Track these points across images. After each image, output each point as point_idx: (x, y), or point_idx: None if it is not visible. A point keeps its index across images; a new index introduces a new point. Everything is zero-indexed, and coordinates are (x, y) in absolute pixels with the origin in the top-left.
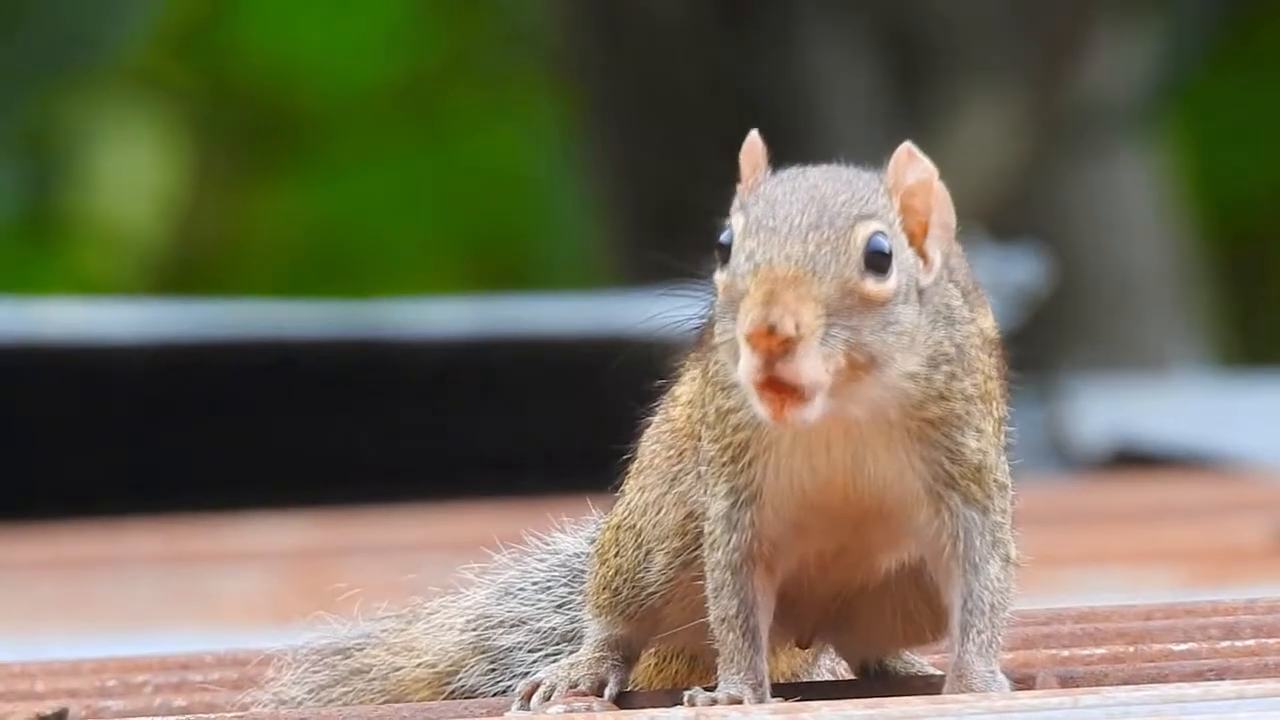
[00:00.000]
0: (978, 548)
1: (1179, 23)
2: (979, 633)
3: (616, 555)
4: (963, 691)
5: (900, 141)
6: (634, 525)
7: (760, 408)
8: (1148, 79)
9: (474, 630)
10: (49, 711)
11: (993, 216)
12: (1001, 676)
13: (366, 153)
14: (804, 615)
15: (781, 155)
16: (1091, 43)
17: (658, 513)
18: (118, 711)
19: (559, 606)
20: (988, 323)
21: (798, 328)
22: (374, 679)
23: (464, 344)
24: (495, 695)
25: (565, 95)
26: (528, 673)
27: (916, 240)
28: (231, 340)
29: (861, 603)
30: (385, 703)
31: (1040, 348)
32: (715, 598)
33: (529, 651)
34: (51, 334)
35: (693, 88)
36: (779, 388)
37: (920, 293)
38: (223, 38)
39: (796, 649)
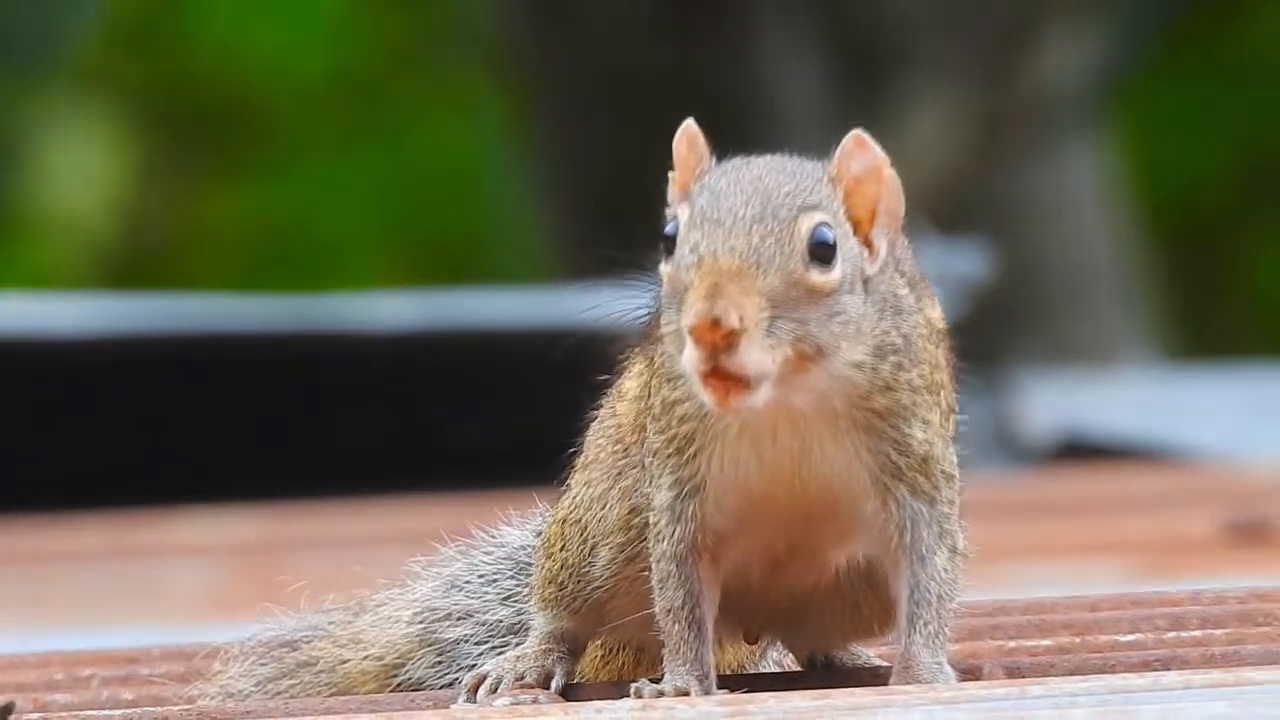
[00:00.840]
0: (924, 539)
1: (1126, 18)
2: (925, 624)
3: (562, 550)
4: (909, 682)
5: (848, 131)
6: (579, 520)
7: (705, 396)
8: (1095, 73)
9: (420, 623)
10: None
11: (942, 210)
12: (948, 668)
13: (314, 147)
14: (753, 611)
15: (731, 149)
16: (1039, 38)
17: (603, 507)
18: (65, 705)
19: (505, 599)
20: (935, 314)
21: (741, 320)
22: (320, 671)
23: (411, 337)
24: (442, 688)
25: (510, 89)
26: (474, 665)
27: (863, 229)
28: (180, 334)
29: (811, 600)
30: (332, 695)
31: (988, 340)
32: (660, 590)
33: (475, 644)
34: (1, 329)
35: (638, 81)
36: (724, 377)
37: (866, 282)
38: (171, 33)
39: (744, 643)
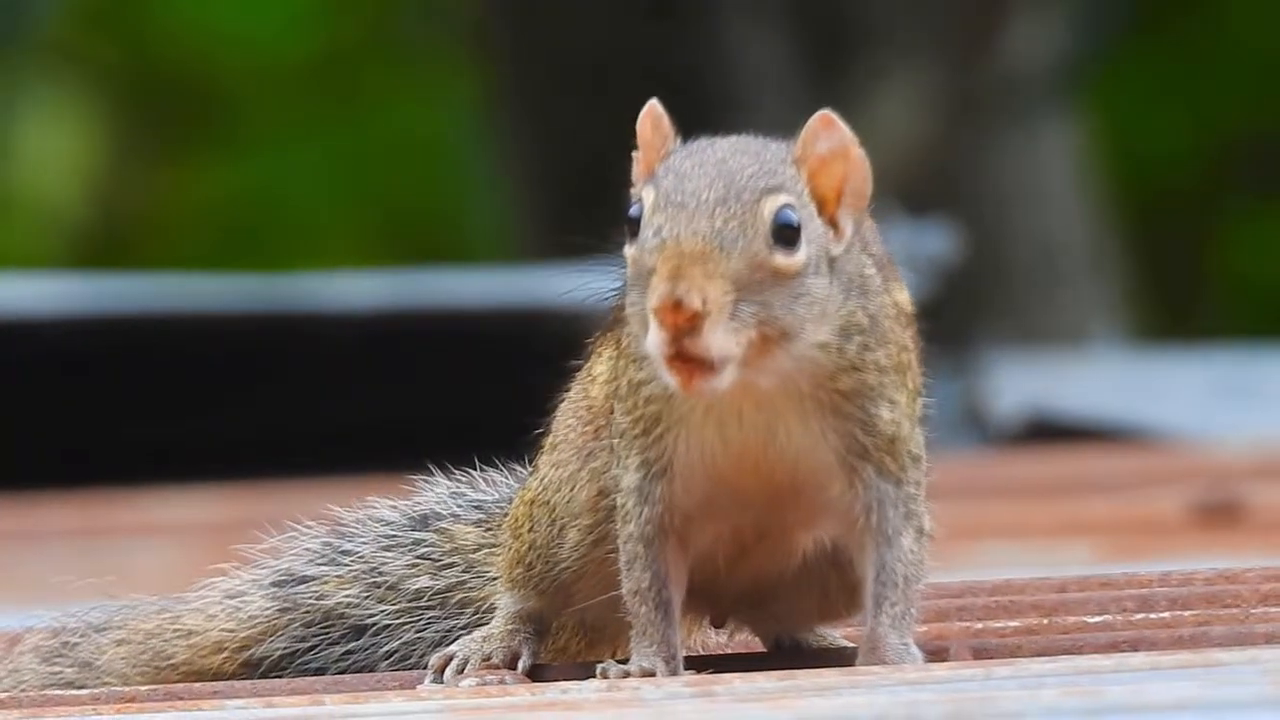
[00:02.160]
0: (890, 519)
1: None
2: (892, 605)
3: (530, 530)
4: (875, 663)
5: (816, 110)
6: (547, 501)
7: (669, 378)
8: (1064, 53)
9: (281, 591)
10: None
11: (910, 190)
12: (915, 649)
13: (285, 127)
14: (721, 595)
15: (697, 129)
16: (1008, 15)
17: (571, 489)
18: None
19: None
20: (902, 295)
21: (704, 304)
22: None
23: (381, 317)
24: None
25: (480, 69)
26: (384, 628)
27: (829, 209)
28: (149, 314)
29: (779, 583)
30: (168, 668)
31: (957, 321)
32: (628, 571)
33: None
34: None
35: (608, 61)
36: (688, 359)
37: (831, 263)
38: (140, 12)
39: (711, 627)
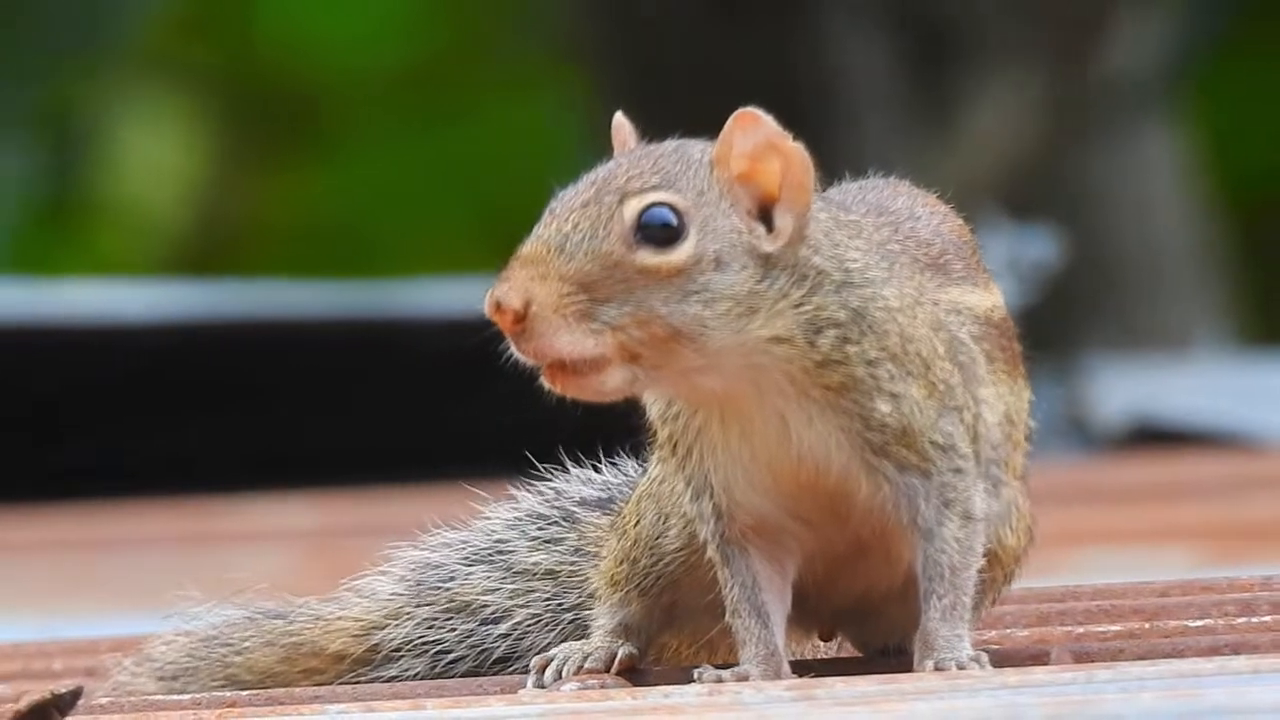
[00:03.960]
0: (924, 512)
1: (1198, 1)
2: (940, 598)
3: (636, 525)
4: (927, 658)
5: (919, 121)
6: (654, 493)
7: (544, 381)
8: (1167, 56)
9: (412, 580)
10: (64, 690)
11: (1013, 195)
12: (966, 640)
13: (383, 134)
14: (824, 607)
15: (796, 131)
16: (1111, 21)
17: (675, 482)
18: (135, 690)
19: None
20: (969, 296)
21: (529, 305)
22: (293, 622)
23: (479, 324)
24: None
25: (576, 76)
26: (497, 610)
27: (769, 205)
28: (249, 321)
29: (887, 597)
30: (297, 650)
31: (1060, 326)
32: (721, 586)
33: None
34: (71, 315)
35: (709, 70)
36: (559, 367)
37: (765, 259)
38: (241, 19)
39: (819, 640)
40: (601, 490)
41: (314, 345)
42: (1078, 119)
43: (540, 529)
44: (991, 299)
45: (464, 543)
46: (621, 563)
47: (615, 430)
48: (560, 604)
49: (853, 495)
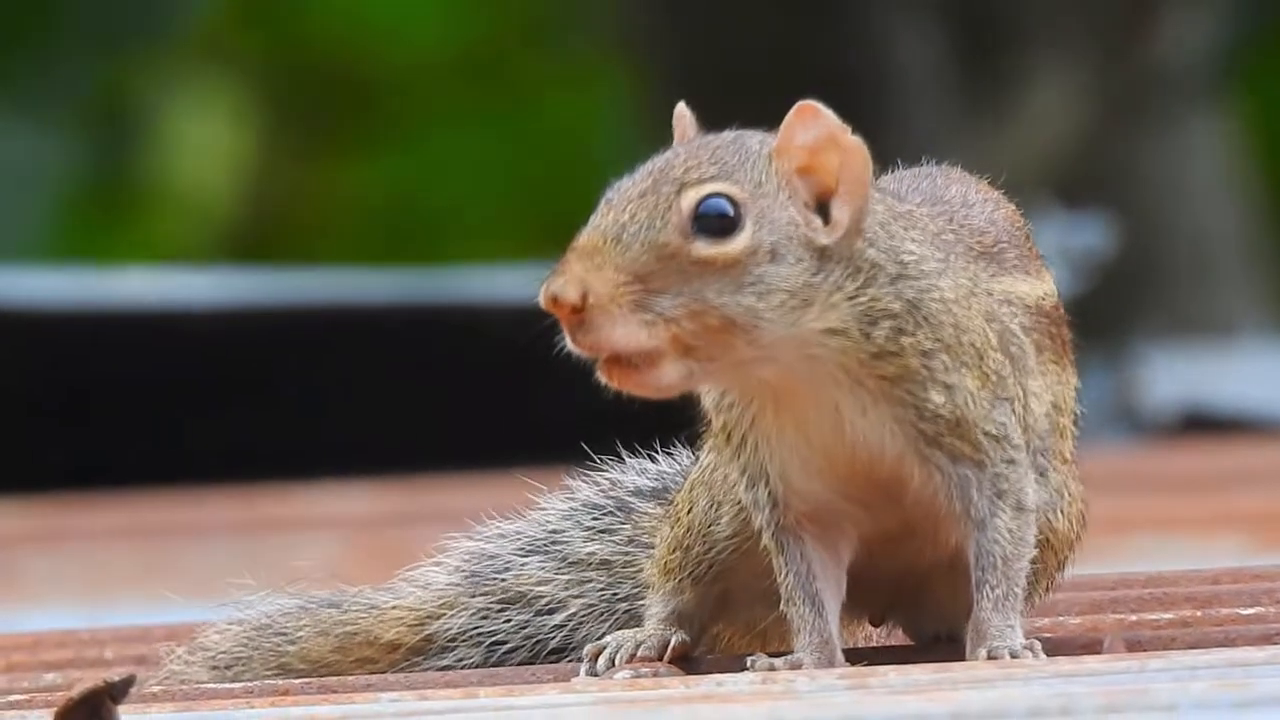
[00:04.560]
0: (977, 503)
1: None
2: (992, 588)
3: (689, 512)
4: (980, 647)
5: (970, 110)
6: (705, 481)
7: (601, 376)
8: (1217, 44)
9: (468, 570)
10: (116, 678)
11: (1063, 184)
12: (1019, 629)
13: (436, 120)
14: (877, 590)
15: (849, 120)
16: (1161, 9)
17: (726, 467)
18: (187, 678)
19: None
20: (1020, 286)
21: (585, 296)
22: (347, 611)
23: (536, 313)
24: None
25: (634, 64)
26: (552, 600)
27: (827, 198)
28: (302, 307)
29: (931, 577)
30: (351, 640)
31: (1111, 313)
32: (777, 574)
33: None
34: (125, 301)
35: (761, 58)
36: (617, 361)
37: (821, 251)
38: (294, 6)
39: (870, 625)
40: (656, 481)
41: (368, 332)
42: (1127, 107)
43: (595, 519)
44: (1043, 286)
45: (519, 533)
46: (674, 550)
47: (671, 420)
48: (615, 594)
49: (906, 484)
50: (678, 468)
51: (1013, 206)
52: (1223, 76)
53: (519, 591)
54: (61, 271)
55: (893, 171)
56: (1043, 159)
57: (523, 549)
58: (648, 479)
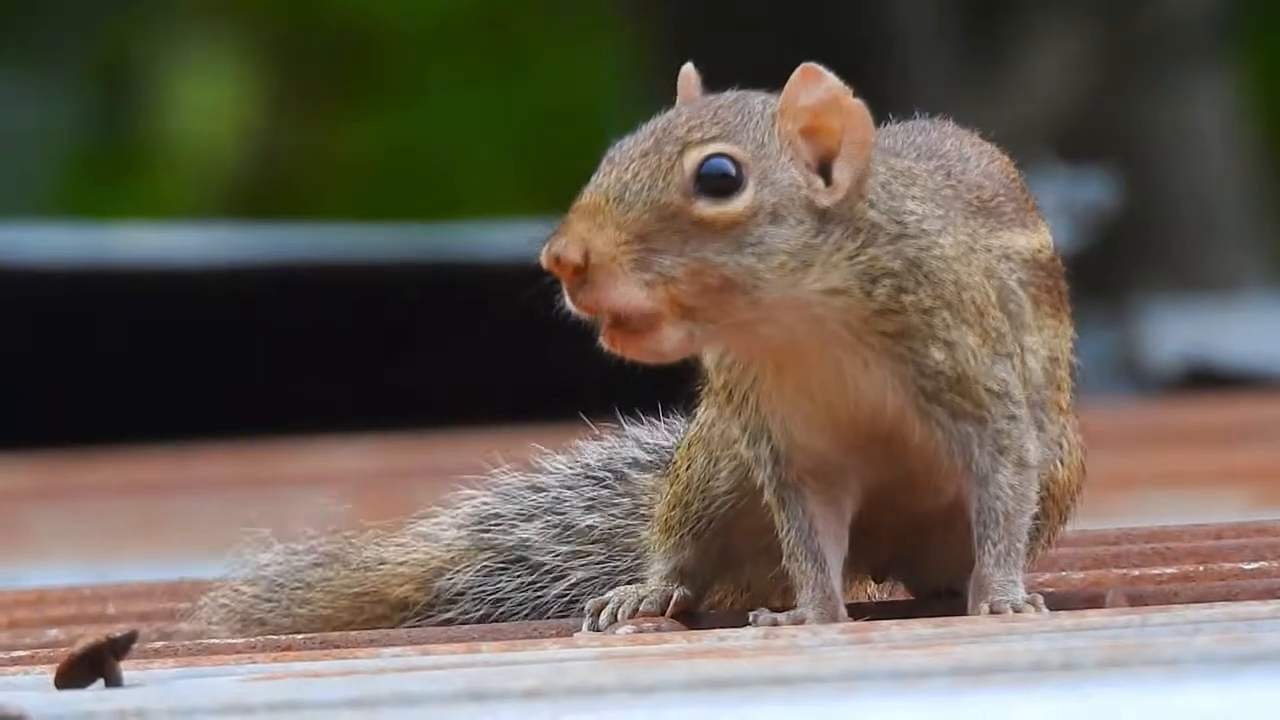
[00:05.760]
0: (978, 459)
1: None
2: (994, 544)
3: (687, 469)
4: (982, 601)
5: (972, 69)
6: (703, 438)
7: (607, 347)
8: (1220, 3)
9: (471, 528)
10: (118, 634)
11: (1067, 137)
12: (1020, 584)
13: (443, 80)
14: (878, 544)
15: (850, 78)
16: None
17: (724, 424)
18: (189, 634)
19: (588, 508)
20: (1019, 239)
21: (588, 255)
22: (355, 569)
23: (539, 271)
24: (496, 596)
25: (634, 27)
26: (550, 567)
27: (829, 159)
28: (306, 264)
29: (933, 530)
30: (362, 599)
31: (1114, 270)
32: (779, 530)
33: (552, 541)
34: (128, 259)
35: (762, 18)
36: (620, 325)
37: (822, 213)
38: None
39: (871, 581)
40: (654, 455)
41: (371, 289)
42: (1130, 65)
43: (594, 490)
44: (1040, 238)
45: (522, 495)
46: (674, 507)
47: (673, 380)
48: (615, 567)
49: (907, 439)
50: (676, 438)
51: (1006, 158)
52: (1226, 33)
53: (521, 555)
54: (66, 229)
55: (885, 125)
56: (1046, 117)
57: (524, 512)
58: (645, 451)
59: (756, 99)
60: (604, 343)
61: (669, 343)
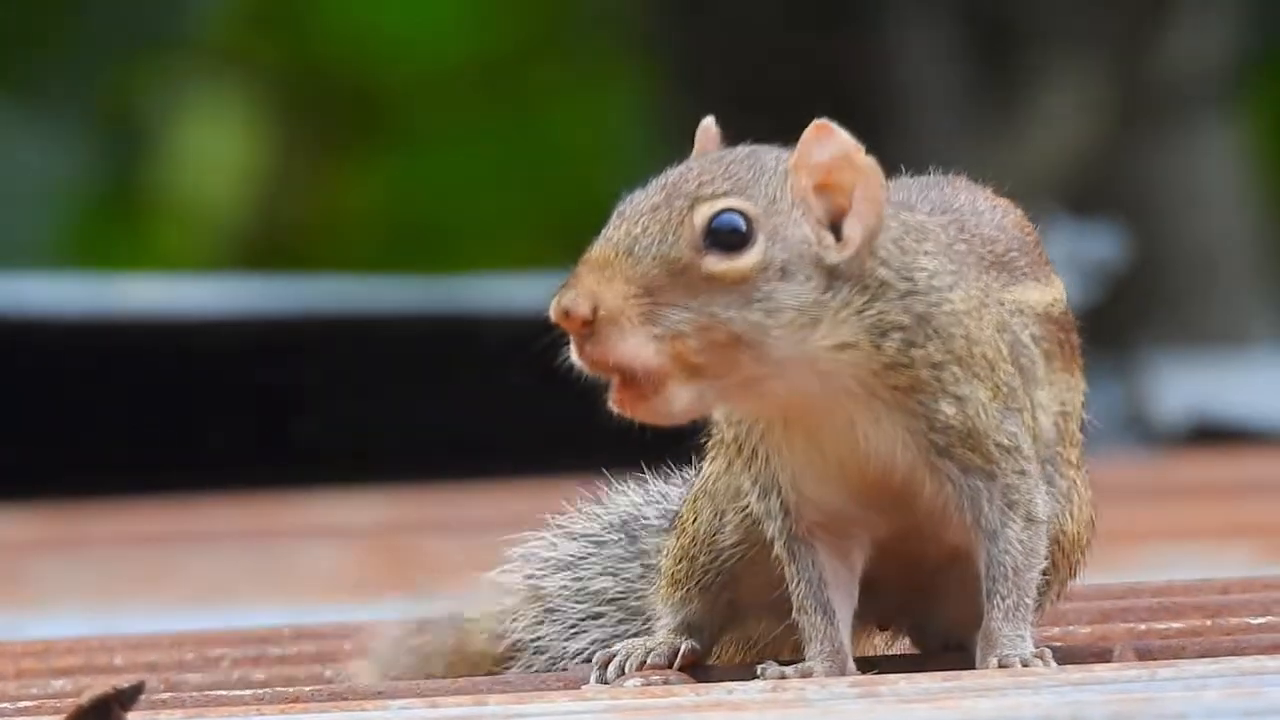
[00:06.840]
0: (987, 514)
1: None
2: (1003, 598)
3: (694, 522)
4: (990, 656)
5: (982, 115)
6: (709, 491)
7: (615, 408)
8: (1229, 54)
9: (528, 577)
10: (126, 685)
11: (1074, 190)
12: (1029, 639)
13: (450, 129)
14: (885, 596)
15: (860, 130)
16: (1173, 15)
17: (732, 478)
18: (196, 685)
19: (605, 570)
20: (1029, 294)
21: (597, 309)
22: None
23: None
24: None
25: (648, 72)
26: (572, 625)
27: (841, 216)
28: (313, 316)
29: (943, 586)
30: (452, 658)
31: (1120, 322)
32: (789, 582)
33: (572, 601)
34: (133, 310)
35: (774, 64)
36: (629, 385)
37: (831, 270)
38: (305, 13)
39: (877, 631)
40: (664, 519)
41: (378, 341)
42: (1138, 117)
43: (610, 555)
44: (1053, 292)
45: (554, 545)
46: (680, 561)
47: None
48: (627, 630)
49: (917, 492)
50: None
51: (1020, 212)
52: (1234, 86)
53: (549, 607)
54: (72, 279)
55: (896, 178)
56: (1054, 169)
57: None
58: (656, 511)
59: (769, 154)
60: (613, 404)
61: (678, 403)
